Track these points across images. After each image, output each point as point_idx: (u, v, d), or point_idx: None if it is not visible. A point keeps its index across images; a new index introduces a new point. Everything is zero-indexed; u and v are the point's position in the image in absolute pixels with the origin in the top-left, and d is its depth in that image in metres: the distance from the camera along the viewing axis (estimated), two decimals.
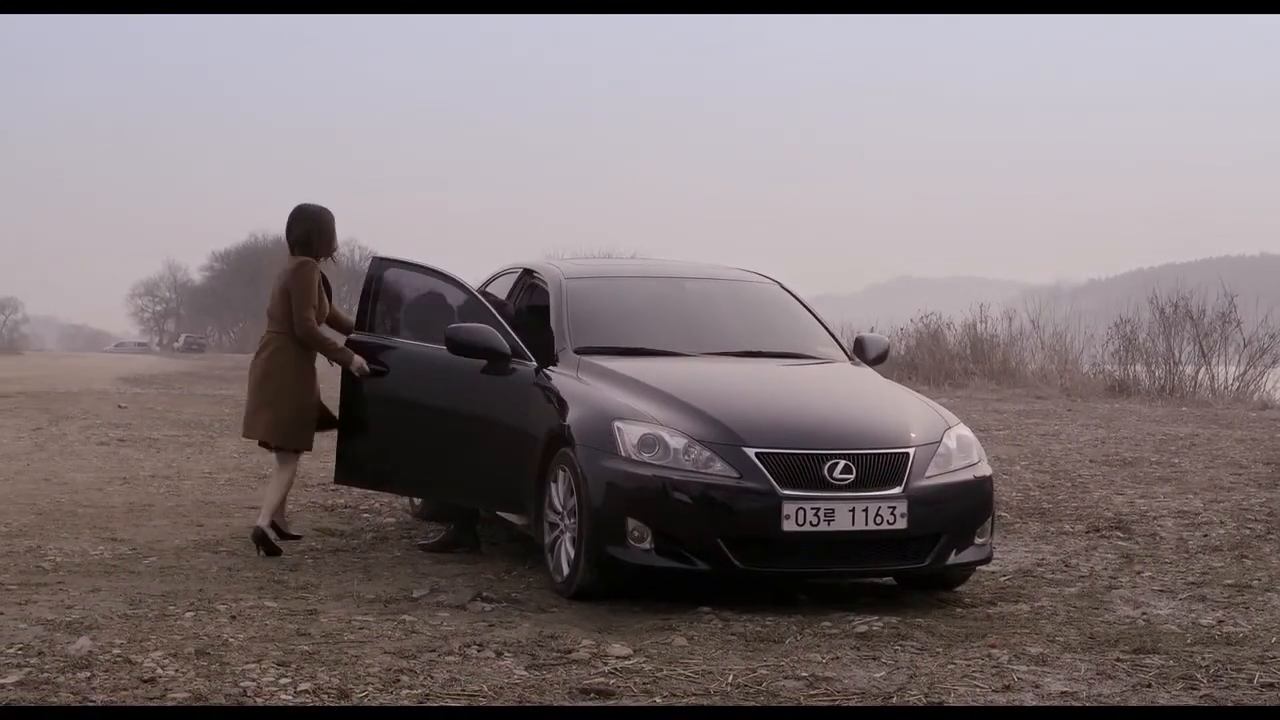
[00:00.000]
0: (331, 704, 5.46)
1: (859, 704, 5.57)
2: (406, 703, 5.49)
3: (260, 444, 9.32)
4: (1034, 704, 5.59)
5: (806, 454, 7.25)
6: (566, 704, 5.55)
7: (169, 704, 5.40)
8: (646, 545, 7.23)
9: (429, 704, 5.49)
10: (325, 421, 9.15)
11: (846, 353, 9.03)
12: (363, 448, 9.05)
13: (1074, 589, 7.88)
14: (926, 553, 7.42)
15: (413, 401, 8.92)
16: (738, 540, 7.17)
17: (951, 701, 5.57)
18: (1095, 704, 5.58)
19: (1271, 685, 5.80)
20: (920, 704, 5.55)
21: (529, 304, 9.37)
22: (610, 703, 5.59)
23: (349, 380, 8.99)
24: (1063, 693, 5.71)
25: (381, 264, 9.35)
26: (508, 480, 8.33)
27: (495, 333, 8.43)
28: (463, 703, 5.52)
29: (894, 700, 5.60)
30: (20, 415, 20.25)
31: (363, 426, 9.04)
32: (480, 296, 8.88)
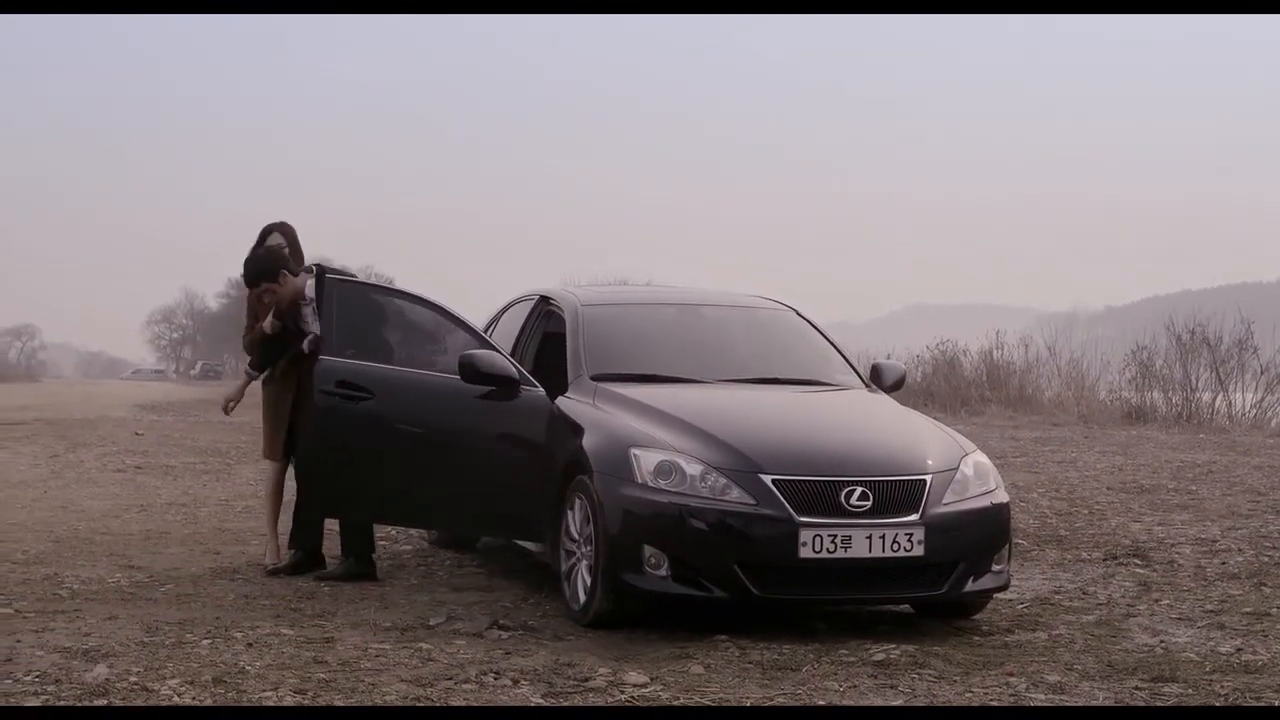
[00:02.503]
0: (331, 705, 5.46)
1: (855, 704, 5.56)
2: None
3: None
4: (1034, 705, 5.57)
5: (823, 481, 7.25)
6: (563, 705, 5.54)
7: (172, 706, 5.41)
8: (663, 572, 7.22)
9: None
10: None
11: (863, 380, 9.02)
12: (343, 477, 8.63)
13: (1091, 617, 7.86)
14: (944, 580, 7.40)
15: (407, 428, 8.55)
16: (755, 567, 7.16)
17: None
18: (1094, 705, 5.56)
19: None
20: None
21: (545, 331, 9.37)
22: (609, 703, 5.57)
23: (326, 405, 8.52)
24: None
25: (334, 284, 8.86)
26: (523, 508, 8.31)
27: (506, 359, 8.42)
28: None
29: None
30: (37, 442, 20.30)
31: (344, 455, 8.58)
32: (458, 316, 8.78)
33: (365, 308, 8.93)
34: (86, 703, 5.72)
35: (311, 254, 9.79)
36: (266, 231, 9.52)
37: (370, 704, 5.77)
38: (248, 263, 9.17)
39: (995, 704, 5.90)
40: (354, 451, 8.58)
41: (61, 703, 5.71)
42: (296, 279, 9.08)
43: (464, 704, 5.82)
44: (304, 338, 9.08)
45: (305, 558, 9.12)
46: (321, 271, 9.01)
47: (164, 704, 5.72)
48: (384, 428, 8.56)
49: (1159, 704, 5.92)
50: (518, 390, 8.34)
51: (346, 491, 8.69)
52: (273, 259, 9.09)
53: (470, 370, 8.28)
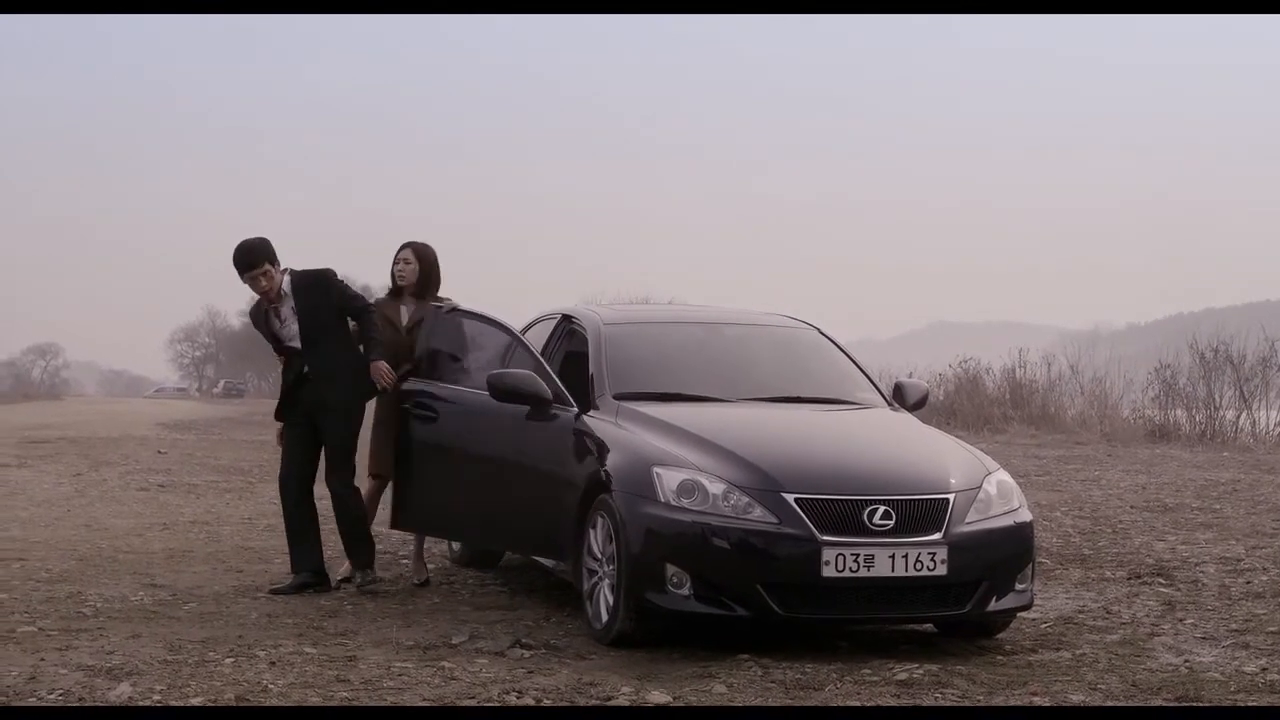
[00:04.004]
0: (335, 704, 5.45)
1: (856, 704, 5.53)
2: None
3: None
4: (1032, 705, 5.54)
5: (846, 500, 7.24)
6: (565, 705, 5.52)
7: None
8: (685, 591, 7.21)
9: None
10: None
11: (885, 398, 9.01)
12: (417, 493, 9.26)
13: (1115, 636, 7.83)
14: (967, 599, 7.38)
15: (458, 447, 9.07)
16: (777, 586, 7.14)
17: None
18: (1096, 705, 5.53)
19: None
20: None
21: (568, 349, 9.38)
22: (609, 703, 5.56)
23: (406, 425, 9.24)
24: None
25: (434, 312, 9.46)
26: (547, 526, 8.34)
27: (537, 378, 8.47)
28: None
29: None
30: (61, 461, 20.35)
31: (416, 472, 9.26)
32: (522, 339, 8.94)
33: (453, 332, 9.44)
34: None
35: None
36: (400, 248, 9.64)
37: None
38: (244, 249, 9.03)
39: (995, 704, 5.88)
40: (421, 468, 9.23)
41: None
42: (277, 275, 9.08)
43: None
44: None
45: (311, 576, 9.14)
46: (297, 274, 9.14)
47: (159, 705, 5.73)
48: (440, 446, 9.15)
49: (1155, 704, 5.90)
50: (549, 409, 8.40)
51: (416, 507, 9.29)
52: (265, 245, 9.08)
53: (496, 389, 8.45)
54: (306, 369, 9.10)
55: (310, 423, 9.14)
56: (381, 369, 9.05)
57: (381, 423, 9.45)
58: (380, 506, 9.71)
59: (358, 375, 9.11)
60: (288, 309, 9.16)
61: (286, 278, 9.16)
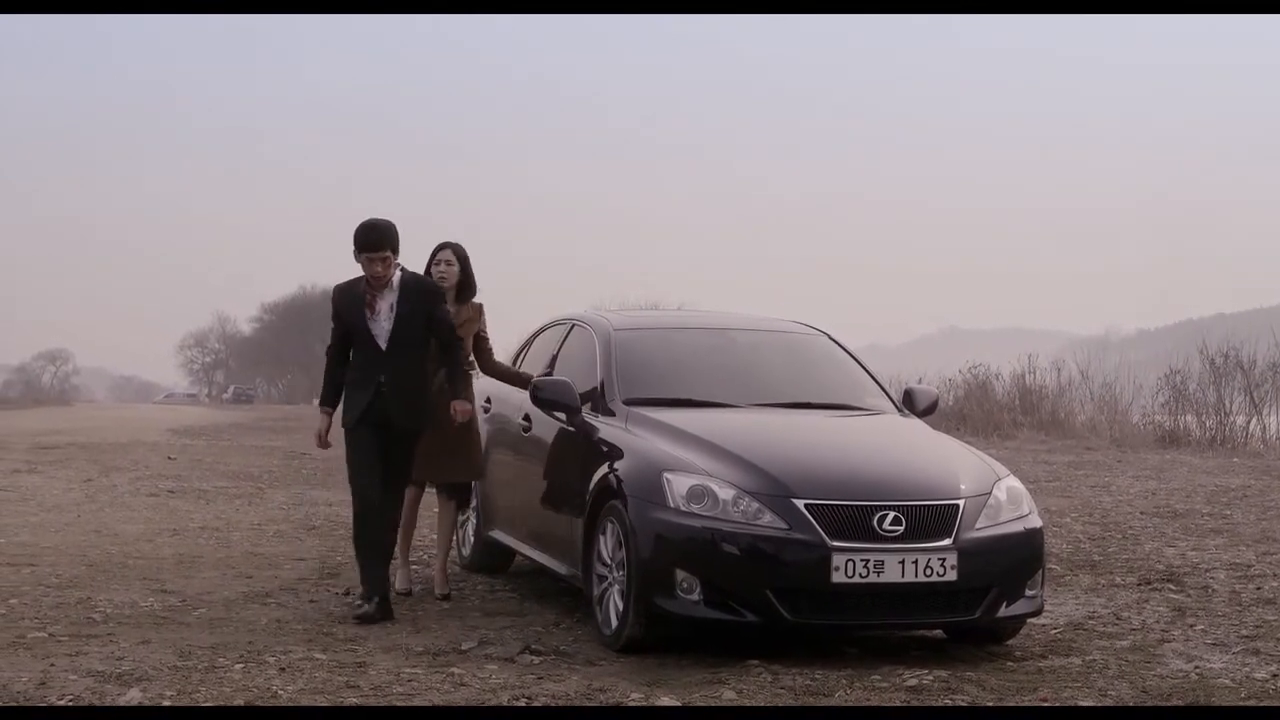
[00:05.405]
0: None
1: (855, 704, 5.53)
2: None
3: (441, 486, 9.52)
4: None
5: (856, 505, 7.23)
6: (566, 704, 5.53)
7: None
8: (695, 597, 7.21)
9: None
10: None
11: (895, 404, 9.01)
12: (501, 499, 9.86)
13: (1125, 642, 7.82)
14: (977, 605, 7.38)
15: (522, 454, 9.44)
16: (787, 592, 7.14)
17: None
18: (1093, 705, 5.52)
19: None
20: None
21: (577, 355, 9.39)
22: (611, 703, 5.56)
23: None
24: None
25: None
26: (560, 531, 8.39)
27: (571, 386, 8.51)
28: None
29: None
30: (71, 467, 20.37)
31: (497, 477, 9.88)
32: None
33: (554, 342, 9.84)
34: None
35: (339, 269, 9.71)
36: (439, 249, 9.55)
37: None
38: (374, 227, 8.61)
39: (1005, 708, 5.88)
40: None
41: None
42: (395, 266, 8.64)
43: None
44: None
45: (379, 609, 8.97)
46: (408, 274, 8.72)
47: (154, 705, 5.74)
48: (513, 453, 9.60)
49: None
50: (579, 418, 8.44)
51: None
52: (393, 229, 8.64)
53: (536, 398, 8.72)
54: (382, 379, 8.56)
55: (377, 429, 8.59)
56: (466, 410, 8.77)
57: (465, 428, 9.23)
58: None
59: (429, 402, 8.75)
60: (385, 305, 8.60)
61: (398, 273, 8.68)
